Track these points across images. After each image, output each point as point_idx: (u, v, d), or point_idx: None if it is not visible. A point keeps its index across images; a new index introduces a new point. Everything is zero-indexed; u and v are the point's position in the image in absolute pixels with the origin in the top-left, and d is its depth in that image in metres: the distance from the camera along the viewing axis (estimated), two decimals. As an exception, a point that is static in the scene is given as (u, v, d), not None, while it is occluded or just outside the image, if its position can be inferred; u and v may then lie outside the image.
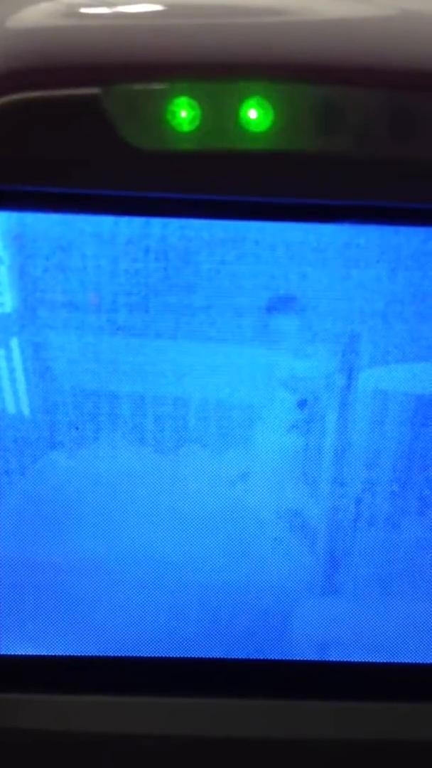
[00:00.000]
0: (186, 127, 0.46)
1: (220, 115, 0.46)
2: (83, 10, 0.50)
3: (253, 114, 0.46)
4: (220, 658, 0.57)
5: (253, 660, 0.57)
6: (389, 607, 0.57)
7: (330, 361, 0.52)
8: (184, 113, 0.46)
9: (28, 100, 0.46)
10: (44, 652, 0.57)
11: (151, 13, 0.49)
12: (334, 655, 0.57)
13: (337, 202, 0.48)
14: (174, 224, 0.49)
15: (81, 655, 0.57)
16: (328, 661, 0.57)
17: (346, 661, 0.57)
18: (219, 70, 0.46)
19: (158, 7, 0.49)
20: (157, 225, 0.50)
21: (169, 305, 0.51)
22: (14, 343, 0.51)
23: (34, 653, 0.57)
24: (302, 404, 0.53)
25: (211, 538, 0.55)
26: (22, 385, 0.52)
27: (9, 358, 0.52)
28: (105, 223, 0.50)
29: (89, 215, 0.49)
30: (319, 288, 0.50)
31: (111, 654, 0.57)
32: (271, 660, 0.57)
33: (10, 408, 0.53)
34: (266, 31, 0.48)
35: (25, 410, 0.53)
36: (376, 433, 0.53)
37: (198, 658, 0.57)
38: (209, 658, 0.57)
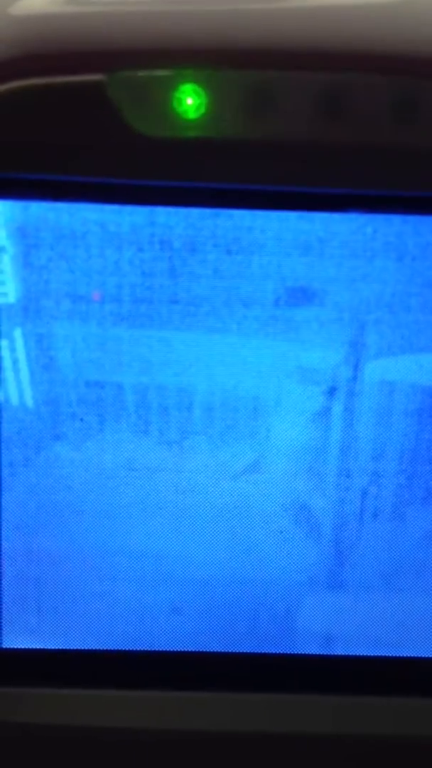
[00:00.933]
0: (192, 115, 0.46)
1: (226, 102, 0.46)
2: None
3: (259, 101, 0.46)
4: (223, 652, 0.57)
5: (256, 654, 0.57)
6: (394, 601, 0.56)
7: (336, 352, 0.51)
8: (190, 100, 0.46)
9: (33, 86, 0.46)
10: (46, 646, 0.57)
11: (157, -1, 0.49)
12: (339, 649, 0.57)
13: (343, 190, 0.48)
14: (179, 213, 0.49)
15: (83, 649, 0.57)
16: (332, 655, 0.57)
17: (351, 655, 0.57)
18: (226, 58, 0.46)
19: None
20: (162, 214, 0.49)
21: (174, 295, 0.50)
22: (18, 333, 0.51)
23: (36, 647, 0.57)
24: (308, 396, 0.52)
25: (216, 530, 0.55)
26: (25, 376, 0.52)
27: (13, 349, 0.51)
28: (109, 211, 0.49)
29: (93, 204, 0.49)
30: (325, 278, 0.50)
31: (113, 648, 0.57)
32: (275, 654, 0.57)
33: (14, 399, 0.52)
34: (272, 18, 0.47)
35: (29, 402, 0.52)
36: (382, 425, 0.53)
37: (201, 652, 0.57)
38: (213, 652, 0.57)
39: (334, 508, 0.54)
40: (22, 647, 0.56)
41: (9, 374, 0.52)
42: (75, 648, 0.56)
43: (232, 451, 0.53)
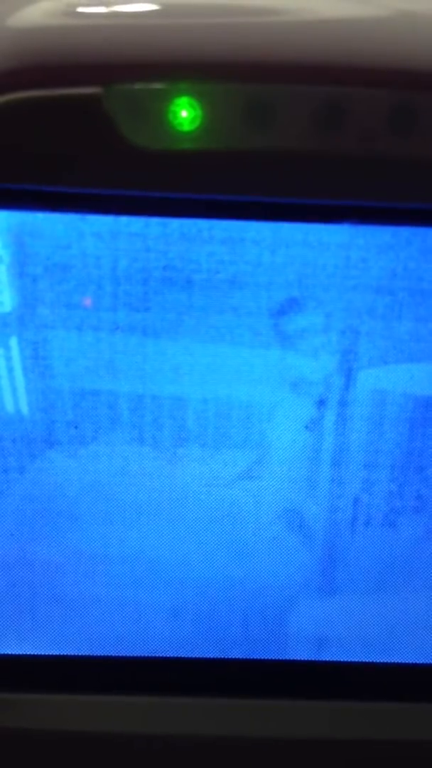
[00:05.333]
0: (187, 127, 0.47)
1: (221, 114, 0.46)
2: (84, 10, 0.50)
3: (255, 114, 0.46)
4: (217, 658, 0.57)
5: (249, 659, 0.57)
6: (385, 607, 0.57)
7: (329, 361, 0.52)
8: (185, 113, 0.46)
9: (30, 99, 0.46)
10: (40, 652, 0.57)
11: (153, 12, 0.49)
12: (331, 655, 0.58)
13: (337, 202, 0.48)
14: (174, 224, 0.49)
15: (77, 655, 0.57)
16: (325, 661, 0.58)
17: (343, 661, 0.57)
18: (221, 71, 0.46)
19: (160, 7, 0.49)
20: (156, 224, 0.50)
21: (168, 305, 0.51)
22: (14, 342, 0.51)
23: (31, 653, 0.57)
24: (301, 404, 0.53)
25: (209, 537, 0.55)
26: (21, 384, 0.52)
27: (8, 357, 0.52)
28: (105, 222, 0.50)
29: (89, 214, 0.49)
30: (318, 289, 0.51)
31: (107, 654, 0.57)
32: (267, 659, 0.57)
33: (9, 407, 0.52)
34: (268, 31, 0.48)
35: (24, 409, 0.53)
36: (374, 433, 0.53)
37: (195, 658, 0.57)
38: (206, 658, 0.57)
39: (326, 515, 0.55)
40: (16, 653, 0.57)
41: (4, 382, 0.52)
42: (68, 654, 0.57)
43: (226, 458, 0.53)
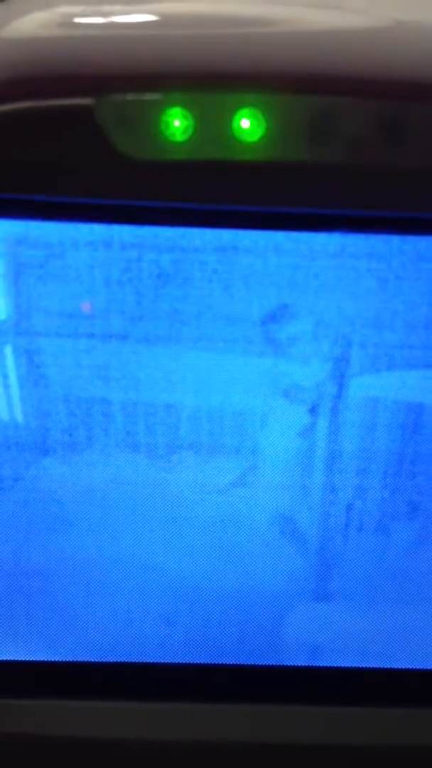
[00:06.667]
0: (179, 137, 0.47)
1: (213, 125, 0.47)
2: (75, 20, 0.50)
3: (246, 124, 0.47)
4: (211, 664, 0.57)
5: (244, 665, 0.57)
6: (380, 613, 0.57)
7: (321, 368, 0.52)
8: (177, 123, 0.47)
9: (21, 109, 0.47)
10: (35, 658, 0.57)
11: (144, 23, 0.49)
12: (326, 661, 0.58)
13: (330, 211, 0.49)
14: (167, 233, 0.50)
15: (72, 661, 0.57)
16: (320, 667, 0.58)
17: (338, 667, 0.58)
18: (212, 81, 0.47)
19: (151, 18, 0.50)
20: (150, 234, 0.50)
21: (162, 313, 0.51)
22: (8, 350, 0.52)
23: (24, 658, 0.57)
24: (293, 412, 0.53)
25: (203, 544, 0.55)
26: (15, 392, 0.52)
27: (2, 365, 0.52)
28: (98, 231, 0.50)
29: (82, 223, 0.50)
30: (310, 297, 0.51)
31: (102, 660, 0.57)
32: (262, 665, 0.57)
33: (3, 414, 0.53)
34: (259, 41, 0.48)
35: (18, 417, 0.53)
36: (367, 440, 0.53)
37: (189, 664, 0.57)
38: (200, 664, 0.57)
39: (319, 521, 0.55)
40: (10, 659, 0.57)
41: (-1, 390, 0.53)
42: (62, 660, 0.57)
43: (219, 465, 0.54)
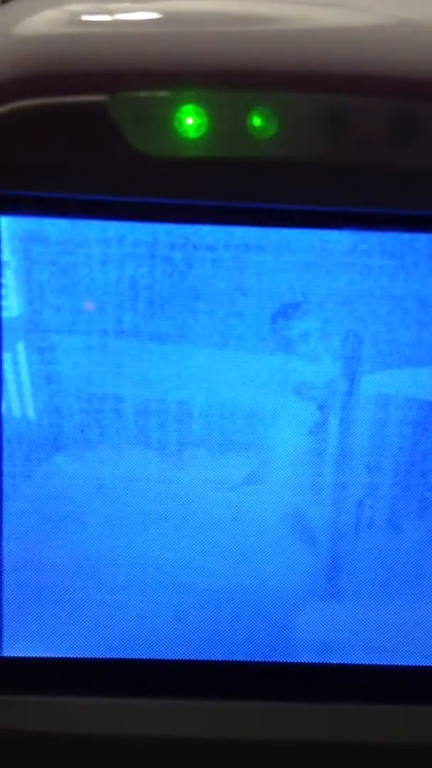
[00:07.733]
0: (193, 134, 0.47)
1: (226, 122, 0.47)
2: (89, 18, 0.50)
3: (259, 122, 0.47)
4: (222, 661, 0.57)
5: (254, 662, 0.58)
6: (390, 610, 0.57)
7: (333, 366, 0.52)
8: (190, 120, 0.47)
9: (36, 106, 0.47)
10: (47, 654, 0.57)
11: (158, 20, 0.49)
12: (336, 658, 0.58)
13: (342, 208, 0.49)
14: (180, 230, 0.50)
15: (84, 657, 0.57)
16: (330, 664, 0.58)
17: (348, 664, 0.58)
18: (226, 78, 0.47)
19: (165, 15, 0.50)
20: (162, 231, 0.50)
21: (174, 310, 0.51)
22: (20, 347, 0.52)
23: (38, 655, 0.57)
24: (305, 409, 0.53)
25: (213, 541, 0.55)
26: (27, 389, 0.53)
27: (15, 362, 0.52)
28: (111, 228, 0.50)
29: (95, 220, 0.50)
30: (321, 294, 0.51)
31: (113, 656, 0.57)
32: (272, 662, 0.58)
33: (16, 411, 0.53)
34: (273, 39, 0.48)
35: (31, 414, 0.53)
36: (378, 438, 0.53)
37: (200, 661, 0.57)
38: (211, 661, 0.57)
39: (330, 519, 0.55)
40: (24, 655, 0.57)
41: (11, 386, 0.53)
42: (74, 656, 0.57)
43: (230, 462, 0.54)
